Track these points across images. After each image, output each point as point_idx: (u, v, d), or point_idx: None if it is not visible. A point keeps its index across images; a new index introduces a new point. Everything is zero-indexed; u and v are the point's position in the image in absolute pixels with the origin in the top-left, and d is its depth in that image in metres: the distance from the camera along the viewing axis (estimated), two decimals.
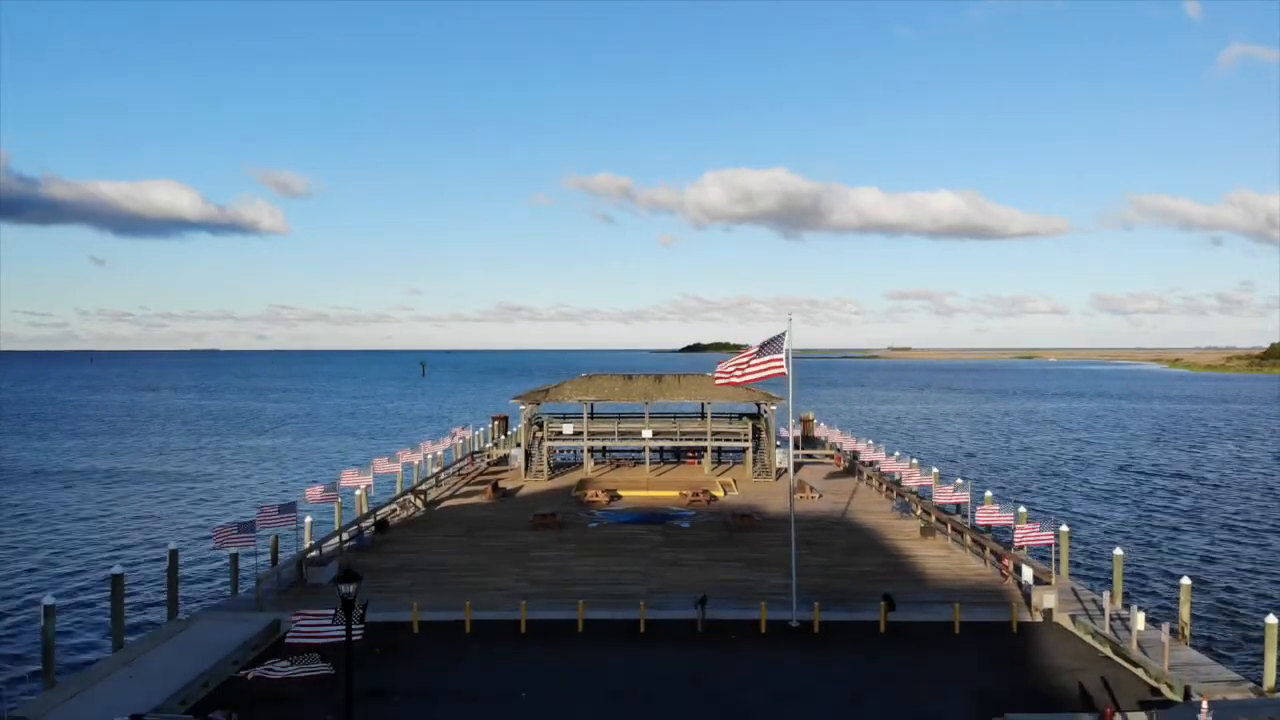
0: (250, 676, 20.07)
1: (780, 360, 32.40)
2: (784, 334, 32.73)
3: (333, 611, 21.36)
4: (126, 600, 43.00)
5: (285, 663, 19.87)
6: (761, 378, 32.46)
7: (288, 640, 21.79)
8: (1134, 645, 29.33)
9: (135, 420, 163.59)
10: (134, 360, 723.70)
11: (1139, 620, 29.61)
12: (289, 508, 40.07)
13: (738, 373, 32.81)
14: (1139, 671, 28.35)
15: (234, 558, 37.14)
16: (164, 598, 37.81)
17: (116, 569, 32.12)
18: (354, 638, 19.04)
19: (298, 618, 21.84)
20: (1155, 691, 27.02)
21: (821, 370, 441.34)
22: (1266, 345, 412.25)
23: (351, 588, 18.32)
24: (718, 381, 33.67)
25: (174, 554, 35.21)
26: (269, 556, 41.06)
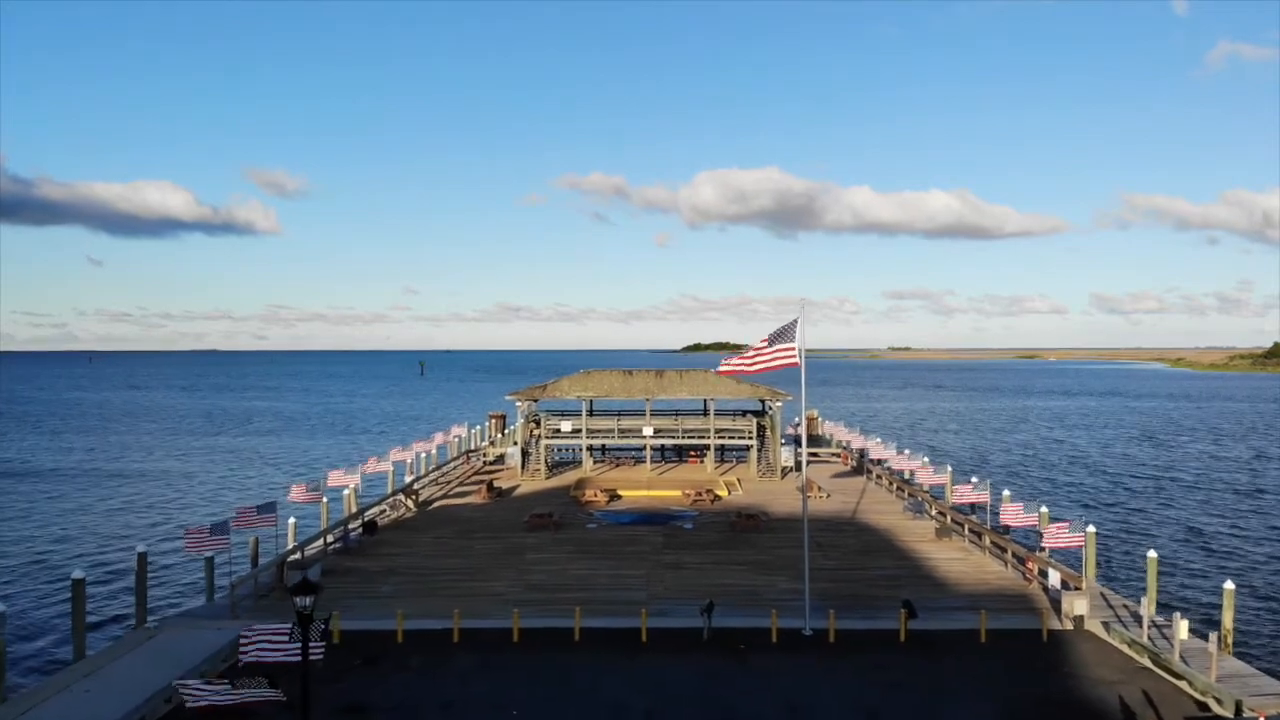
0: (188, 705, 17.50)
1: (793, 350, 30.16)
2: (796, 322, 30.49)
3: (290, 626, 18.91)
4: (92, 607, 40.86)
5: (226, 686, 17.33)
6: (773, 368, 30.20)
7: (239, 659, 19.33)
8: (1176, 655, 27.11)
9: (114, 418, 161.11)
10: (133, 360, 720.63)
11: (1182, 629, 27.37)
12: (268, 508, 37.87)
13: (748, 362, 30.54)
14: (1182, 684, 26.12)
15: (209, 561, 34.88)
16: (131, 604, 35.52)
17: (77, 573, 29.94)
18: (313, 656, 16.81)
19: (250, 633, 19.39)
20: (1203, 706, 24.81)
21: (820, 370, 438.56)
22: (1267, 344, 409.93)
23: (308, 600, 16.04)
24: (723, 370, 31.34)
25: (142, 557, 32.95)
26: (249, 560, 38.87)
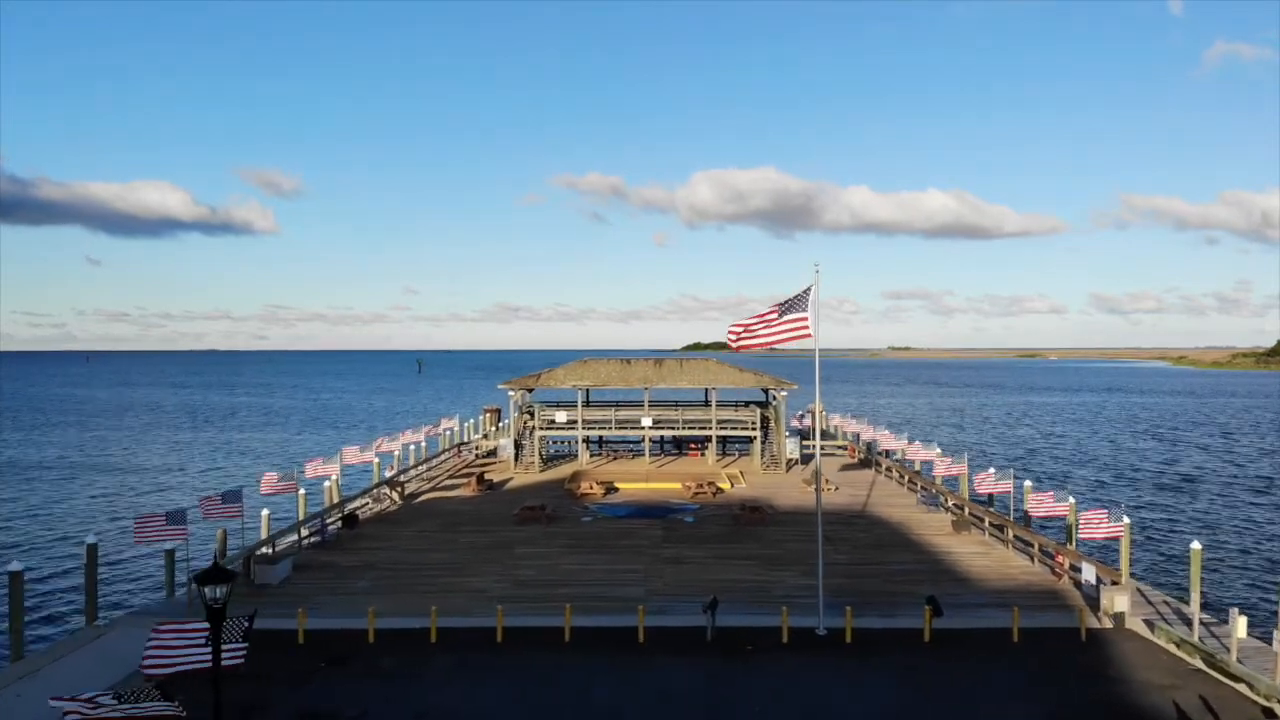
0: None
1: (805, 320, 27.34)
2: (809, 290, 27.67)
3: (205, 626, 15.69)
4: (43, 604, 38.20)
5: (109, 699, 14.32)
6: (784, 340, 27.35)
7: (144, 666, 16.29)
8: (1234, 656, 24.35)
9: (95, 414, 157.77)
10: (131, 360, 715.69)
11: (1240, 626, 24.62)
12: (234, 496, 35.03)
13: (757, 333, 27.68)
14: (1241, 687, 23.36)
15: (169, 555, 32.01)
16: (83, 600, 32.67)
17: (14, 565, 27.19)
18: (234, 659, 14.00)
19: (157, 636, 16.26)
20: (1268, 712, 22.07)
21: (820, 368, 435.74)
22: (1266, 344, 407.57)
23: (219, 590, 13.21)
24: (731, 341, 28.36)
25: (92, 549, 30.12)
26: (216, 553, 36.01)
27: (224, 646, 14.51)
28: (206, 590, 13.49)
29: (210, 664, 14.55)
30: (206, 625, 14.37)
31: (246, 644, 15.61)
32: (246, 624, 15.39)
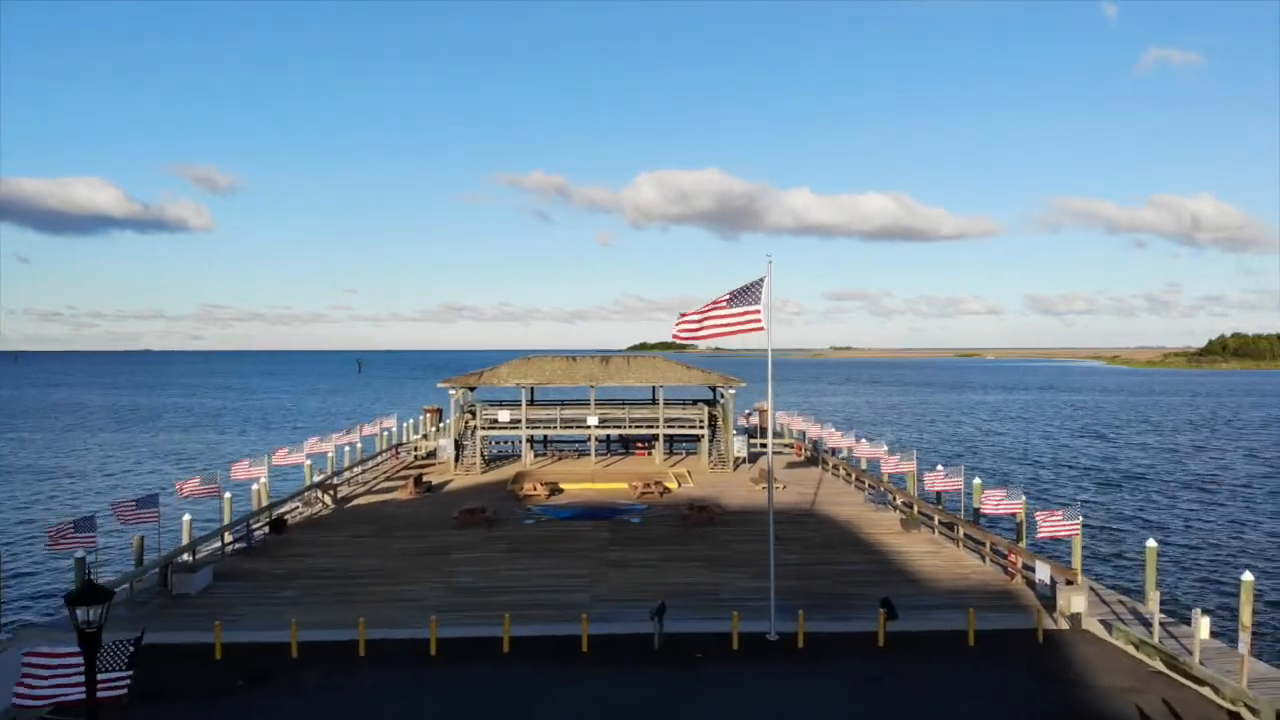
0: None
1: (758, 312, 26.16)
2: (762, 280, 26.49)
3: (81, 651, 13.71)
4: None
5: None
6: (733, 331, 26.15)
7: (15, 699, 14.36)
8: (1196, 658, 23.68)
9: (15, 415, 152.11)
10: (62, 361, 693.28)
11: (1203, 627, 24.00)
12: (150, 501, 32.87)
13: (706, 325, 26.41)
14: (1206, 690, 22.69)
15: (79, 563, 29.75)
16: None
17: None
18: (114, 690, 12.30)
19: (31, 659, 14.32)
20: (1235, 716, 21.39)
21: (763, 367, 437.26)
22: (1196, 344, 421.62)
23: (94, 612, 11.48)
24: (678, 335, 27.06)
25: None
26: (132, 561, 33.85)
27: (103, 676, 12.81)
28: (79, 612, 11.69)
29: (104, 693, 12.69)
30: (80, 651, 12.54)
31: (131, 672, 13.82)
32: (132, 648, 13.65)
